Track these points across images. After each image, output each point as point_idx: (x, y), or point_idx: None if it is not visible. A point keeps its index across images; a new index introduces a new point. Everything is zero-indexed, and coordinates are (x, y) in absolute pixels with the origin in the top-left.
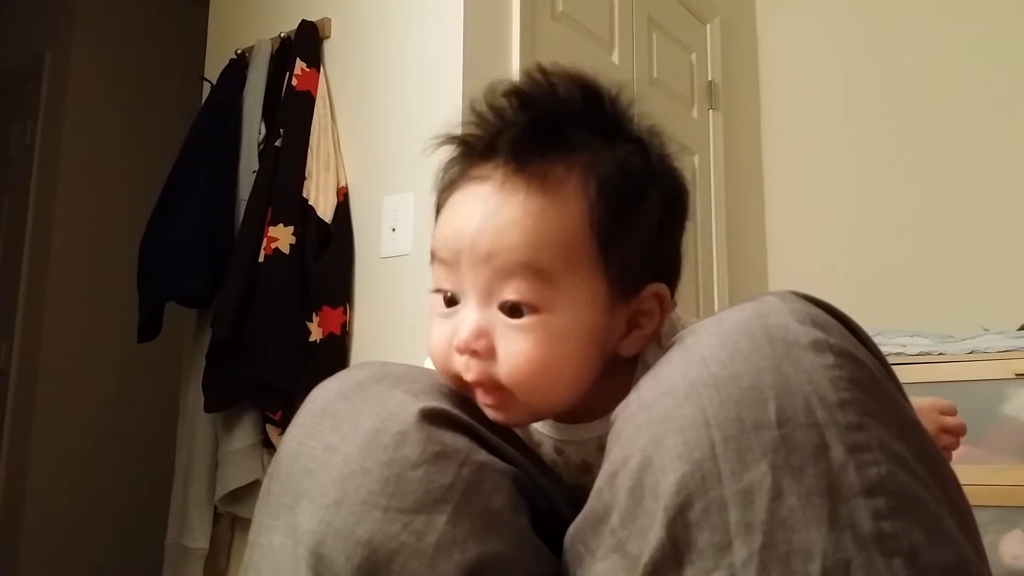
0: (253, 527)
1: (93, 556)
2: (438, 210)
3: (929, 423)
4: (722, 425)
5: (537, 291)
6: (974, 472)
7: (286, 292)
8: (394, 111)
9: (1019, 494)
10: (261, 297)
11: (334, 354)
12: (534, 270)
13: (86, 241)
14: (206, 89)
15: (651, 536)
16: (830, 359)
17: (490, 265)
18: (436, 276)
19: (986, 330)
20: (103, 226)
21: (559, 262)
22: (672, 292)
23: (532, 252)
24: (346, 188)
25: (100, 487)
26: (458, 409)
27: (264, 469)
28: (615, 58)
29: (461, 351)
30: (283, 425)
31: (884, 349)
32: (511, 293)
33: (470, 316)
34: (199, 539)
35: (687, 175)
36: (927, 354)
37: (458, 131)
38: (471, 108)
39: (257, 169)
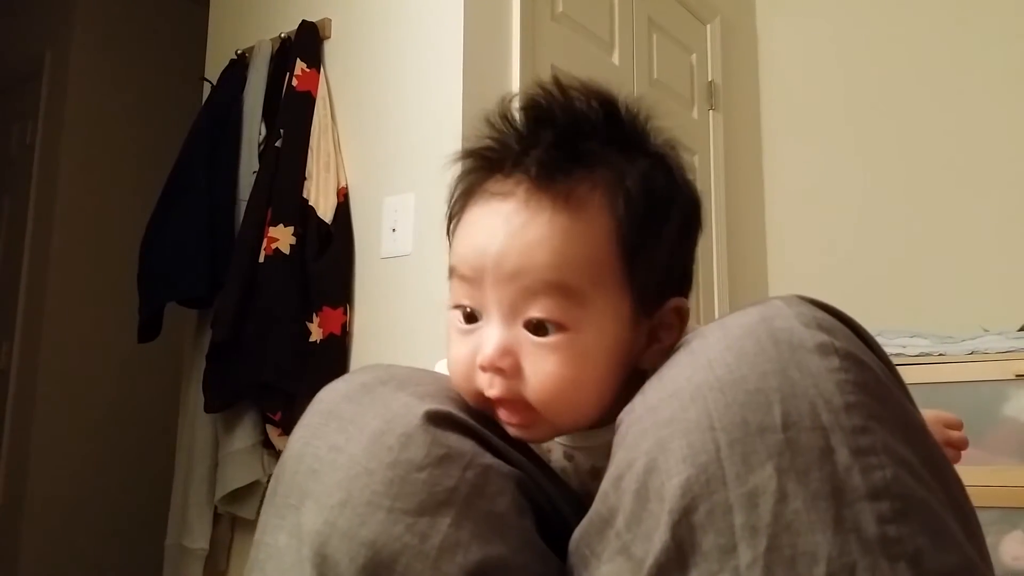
0: (259, 526)
1: (93, 556)
2: (450, 222)
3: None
4: (727, 428)
5: (564, 310)
6: (974, 473)
7: (286, 292)
8: (394, 111)
9: (1019, 495)
10: (261, 297)
11: (334, 354)
12: (562, 289)
13: (86, 241)
14: (206, 89)
15: (656, 539)
16: (836, 362)
17: (516, 284)
18: (455, 292)
19: (986, 331)
20: (103, 226)
21: (586, 281)
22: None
23: (560, 271)
24: (346, 188)
25: (100, 487)
26: (463, 412)
27: (264, 469)
28: (615, 59)
29: (486, 368)
30: (283, 425)
31: (884, 350)
32: (538, 311)
33: (494, 334)
34: (199, 539)
35: None
36: (927, 355)
37: (470, 143)
38: (486, 121)
39: (257, 169)
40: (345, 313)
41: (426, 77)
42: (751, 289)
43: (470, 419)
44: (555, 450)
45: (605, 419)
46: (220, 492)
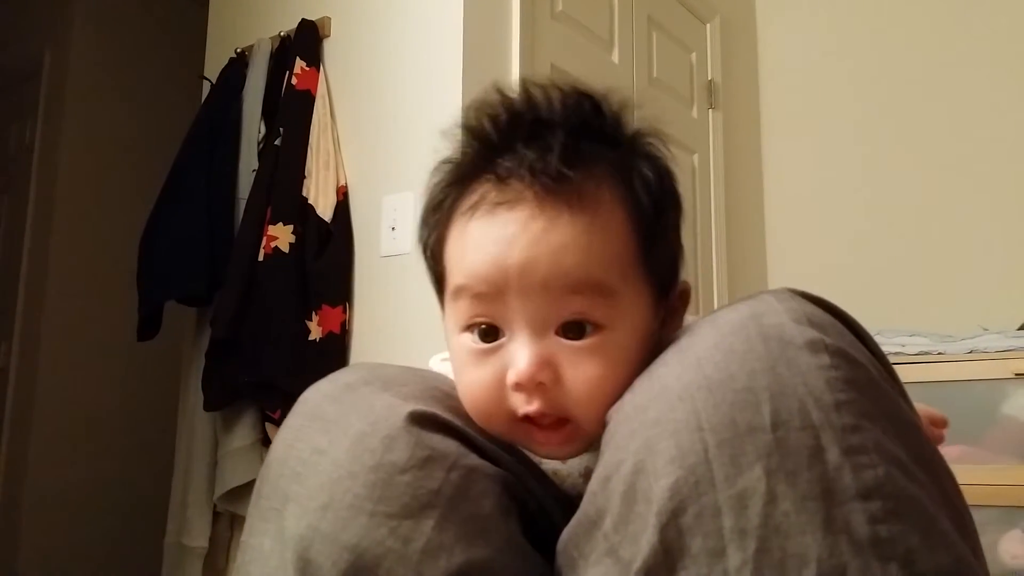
0: (245, 528)
1: (92, 554)
2: (430, 241)
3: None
4: (716, 429)
5: (600, 307)
6: (974, 472)
7: (286, 291)
8: (394, 110)
9: (1019, 494)
10: (261, 296)
11: (334, 353)
12: (596, 287)
13: (85, 240)
14: (206, 88)
15: (643, 542)
16: (826, 359)
17: (548, 291)
18: (464, 313)
19: (985, 330)
20: (102, 225)
21: (616, 275)
22: None
23: (591, 270)
24: (346, 187)
25: (99, 486)
26: (449, 413)
27: None
28: (615, 57)
29: (523, 385)
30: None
31: (883, 348)
32: (574, 314)
33: (525, 347)
34: (198, 537)
35: (687, 174)
36: (926, 353)
37: (443, 156)
38: (466, 131)
39: (257, 168)
40: (344, 311)
41: (426, 76)
42: (751, 288)
43: (456, 420)
44: None
45: None
46: (219, 490)
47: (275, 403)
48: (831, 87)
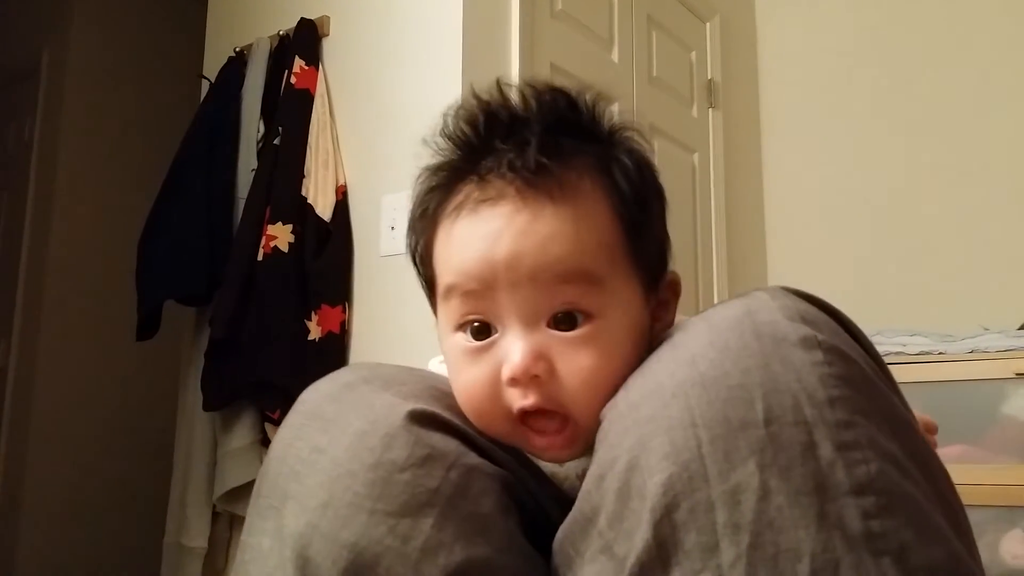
0: (245, 527)
1: (92, 554)
2: (418, 246)
3: None
4: (709, 425)
5: (590, 296)
6: (974, 471)
7: (285, 290)
8: (393, 109)
9: (1019, 493)
10: (260, 296)
11: (333, 352)
12: (584, 276)
13: (84, 239)
14: (205, 87)
15: (637, 538)
16: (819, 356)
17: (537, 282)
18: (456, 311)
19: (986, 329)
20: (101, 224)
21: (603, 264)
22: None
23: (578, 258)
24: (345, 186)
25: (98, 485)
26: (448, 412)
27: None
28: (614, 56)
29: (519, 379)
30: None
31: (883, 348)
32: (564, 304)
33: (519, 341)
34: (197, 538)
35: (686, 174)
36: (927, 353)
37: (428, 161)
38: (445, 137)
39: (256, 167)
40: (344, 311)
41: (425, 75)
42: (751, 287)
43: (455, 419)
44: None
45: None
46: (219, 490)
47: (274, 403)
48: (831, 86)
